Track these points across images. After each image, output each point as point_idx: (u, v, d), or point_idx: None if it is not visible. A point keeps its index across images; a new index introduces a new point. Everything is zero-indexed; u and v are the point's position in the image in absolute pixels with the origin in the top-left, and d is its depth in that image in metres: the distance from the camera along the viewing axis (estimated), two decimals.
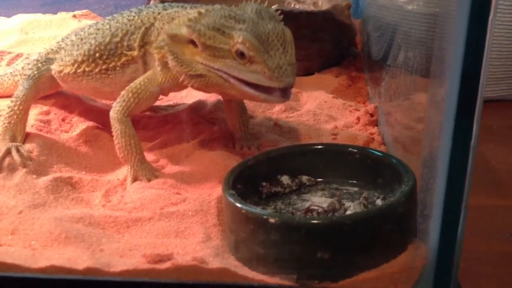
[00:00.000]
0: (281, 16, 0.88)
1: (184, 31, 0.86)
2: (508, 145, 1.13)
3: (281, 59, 0.80)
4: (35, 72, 1.07)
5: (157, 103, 1.08)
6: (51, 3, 1.96)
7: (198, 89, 0.91)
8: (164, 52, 0.89)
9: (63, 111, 1.14)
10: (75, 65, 1.02)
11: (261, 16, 0.85)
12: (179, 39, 0.87)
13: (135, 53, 0.96)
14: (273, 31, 0.82)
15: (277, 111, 1.16)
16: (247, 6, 0.87)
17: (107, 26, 1.00)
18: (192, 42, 0.86)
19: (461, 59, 0.59)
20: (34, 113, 1.11)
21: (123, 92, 0.92)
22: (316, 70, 1.38)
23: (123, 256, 0.71)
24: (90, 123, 1.08)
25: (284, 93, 0.81)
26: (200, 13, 0.86)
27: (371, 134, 1.04)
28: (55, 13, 1.87)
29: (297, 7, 1.54)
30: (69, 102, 1.16)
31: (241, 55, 0.81)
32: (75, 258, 0.69)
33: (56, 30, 1.72)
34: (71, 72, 1.03)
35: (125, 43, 0.97)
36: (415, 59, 0.85)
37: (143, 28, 0.95)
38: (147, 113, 1.15)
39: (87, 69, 1.00)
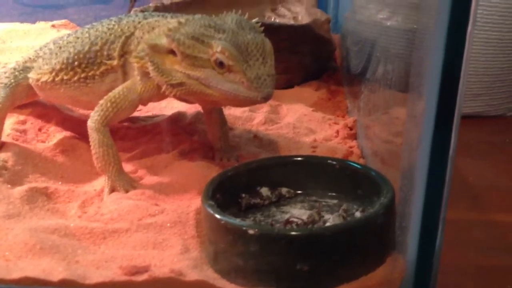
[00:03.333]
0: (262, 28, 0.88)
1: (164, 41, 0.86)
2: (485, 160, 1.15)
3: (260, 70, 0.80)
4: (12, 81, 1.05)
5: (136, 114, 1.08)
6: (29, 12, 1.95)
7: (179, 98, 0.91)
8: (144, 62, 0.89)
9: (40, 121, 1.13)
10: (53, 73, 1.00)
11: (241, 27, 0.85)
12: (159, 49, 0.87)
13: (115, 62, 0.95)
14: (252, 41, 0.82)
15: (256, 123, 1.16)
16: (228, 17, 0.87)
17: (87, 35, 0.99)
18: (172, 52, 0.86)
19: (439, 74, 0.59)
20: (10, 122, 1.10)
21: (101, 101, 0.91)
22: (296, 84, 1.39)
23: (99, 267, 0.70)
24: (67, 133, 1.07)
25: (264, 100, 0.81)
26: (180, 23, 0.86)
27: (350, 147, 1.05)
28: (34, 22, 1.86)
29: (277, 20, 1.55)
30: (46, 112, 1.15)
31: (220, 64, 0.81)
32: (50, 270, 0.67)
33: (35, 39, 1.71)
34: (48, 80, 1.01)
35: (105, 52, 0.96)
36: (394, 74, 0.86)
37: (123, 37, 0.95)
38: (126, 124, 1.14)
39: (65, 77, 0.99)
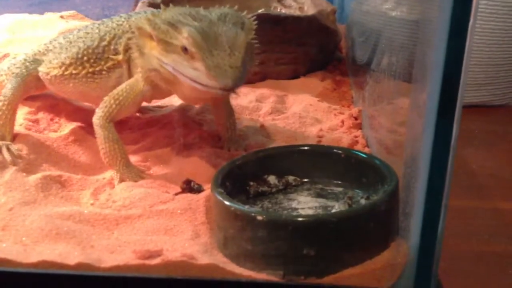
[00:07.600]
0: (254, 24, 0.87)
1: (147, 25, 0.87)
2: (488, 149, 1.16)
3: (223, 60, 0.78)
4: (23, 70, 1.07)
5: (145, 104, 1.10)
6: (38, 3, 1.96)
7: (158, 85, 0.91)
8: (134, 46, 0.91)
9: (52, 111, 1.15)
10: (63, 68, 1.02)
11: (222, 19, 0.84)
12: (143, 32, 0.88)
13: (120, 57, 0.96)
14: (225, 33, 0.81)
15: (263, 113, 1.18)
16: (216, 9, 0.87)
17: (96, 30, 1.00)
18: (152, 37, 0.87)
19: (442, 64, 0.61)
20: (23, 112, 1.12)
21: (105, 98, 0.93)
22: (302, 74, 1.40)
23: (113, 252, 0.72)
24: (78, 123, 1.09)
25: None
26: (164, 10, 0.87)
27: (355, 137, 1.06)
28: (42, 13, 1.86)
29: (283, 11, 1.56)
30: (57, 102, 1.17)
31: (185, 50, 0.81)
32: (66, 254, 0.70)
33: (43, 30, 1.72)
34: (58, 74, 1.03)
35: (112, 47, 0.97)
36: (398, 64, 0.87)
37: (129, 32, 0.96)
38: (135, 114, 1.16)
39: (74, 72, 1.01)
